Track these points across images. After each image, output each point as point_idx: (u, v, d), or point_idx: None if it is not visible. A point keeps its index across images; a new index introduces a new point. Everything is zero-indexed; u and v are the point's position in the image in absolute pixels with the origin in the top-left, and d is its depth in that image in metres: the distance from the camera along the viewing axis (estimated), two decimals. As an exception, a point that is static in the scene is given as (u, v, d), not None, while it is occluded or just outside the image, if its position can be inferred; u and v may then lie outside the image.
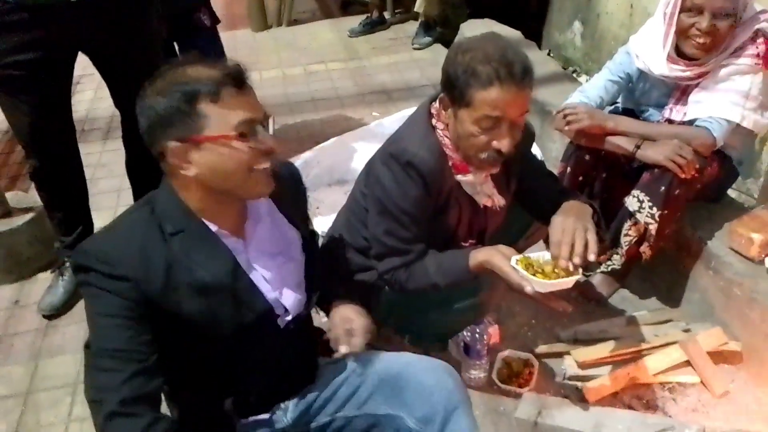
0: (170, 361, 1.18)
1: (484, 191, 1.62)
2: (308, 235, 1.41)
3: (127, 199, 2.96)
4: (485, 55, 1.39)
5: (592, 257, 1.41)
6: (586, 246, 1.41)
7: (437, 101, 1.57)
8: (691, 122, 1.96)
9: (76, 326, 2.28)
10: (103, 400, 1.08)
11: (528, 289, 1.38)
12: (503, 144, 1.43)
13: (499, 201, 1.66)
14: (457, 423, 1.29)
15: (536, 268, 1.39)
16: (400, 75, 4.05)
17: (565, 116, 2.02)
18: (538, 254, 1.46)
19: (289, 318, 1.33)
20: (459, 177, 1.58)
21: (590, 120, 1.98)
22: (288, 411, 1.40)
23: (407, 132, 1.61)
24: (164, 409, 1.35)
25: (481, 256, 1.50)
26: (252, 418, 1.36)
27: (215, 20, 2.90)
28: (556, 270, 1.40)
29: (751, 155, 2.19)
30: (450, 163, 1.55)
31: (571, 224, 1.44)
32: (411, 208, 1.56)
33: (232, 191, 1.19)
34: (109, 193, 3.06)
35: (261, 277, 1.27)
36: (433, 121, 1.57)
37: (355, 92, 3.88)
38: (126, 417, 1.07)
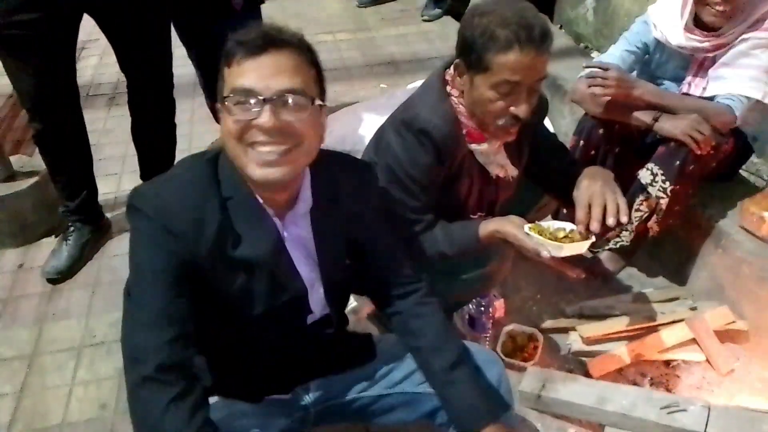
0: (201, 328, 1.15)
1: (498, 161, 1.60)
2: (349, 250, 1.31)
3: (132, 165, 2.94)
4: (504, 18, 1.35)
5: (624, 219, 1.42)
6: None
7: (451, 68, 1.53)
8: (710, 98, 1.92)
9: (80, 291, 2.28)
10: (140, 360, 1.06)
11: (544, 253, 1.37)
12: (521, 110, 1.40)
13: (512, 171, 1.64)
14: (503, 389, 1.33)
15: (548, 235, 1.38)
16: (408, 47, 3.99)
17: (591, 85, 1.95)
18: (548, 222, 1.45)
19: (317, 318, 1.30)
20: (473, 146, 1.55)
21: (617, 88, 1.91)
22: (309, 391, 1.38)
23: (420, 99, 1.57)
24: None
25: (493, 225, 1.49)
26: (273, 396, 1.34)
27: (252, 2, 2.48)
28: (569, 235, 1.39)
29: (767, 132, 2.16)
30: (464, 131, 1.53)
31: (599, 188, 1.43)
32: (421, 176, 1.54)
33: (239, 167, 1.10)
34: (114, 159, 3.04)
35: (299, 263, 1.22)
36: (447, 88, 1.54)
37: (363, 63, 3.84)
38: (160, 384, 1.05)
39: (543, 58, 1.38)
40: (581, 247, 1.37)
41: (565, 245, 1.35)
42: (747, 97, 1.86)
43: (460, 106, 1.51)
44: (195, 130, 3.24)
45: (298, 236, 1.21)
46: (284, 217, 1.19)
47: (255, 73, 1.04)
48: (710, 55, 1.93)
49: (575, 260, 1.42)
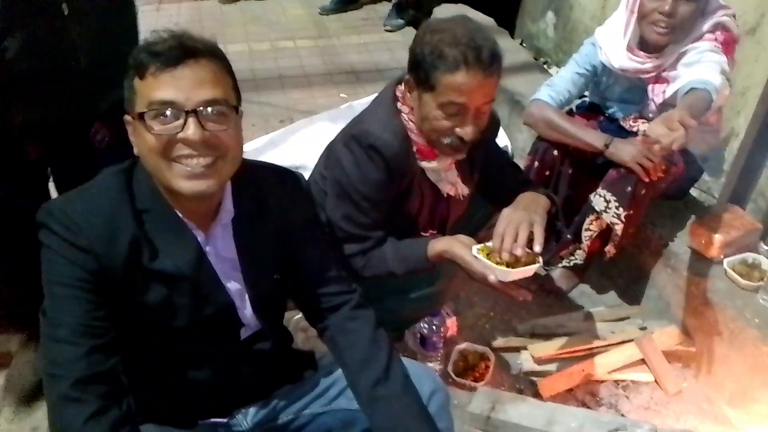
0: (125, 345, 1.11)
1: (448, 179, 1.58)
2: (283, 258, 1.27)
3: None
4: (453, 37, 1.33)
5: (537, 248, 1.37)
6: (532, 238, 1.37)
7: (403, 83, 1.50)
8: (668, 100, 1.91)
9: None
10: (56, 375, 1.02)
11: (491, 277, 1.35)
12: (466, 131, 1.38)
13: (463, 190, 1.62)
14: (434, 406, 1.28)
15: (497, 257, 1.35)
16: (369, 56, 3.96)
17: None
18: None
19: (250, 332, 1.26)
20: (423, 163, 1.52)
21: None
22: (248, 415, 1.33)
23: (371, 114, 1.54)
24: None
25: (441, 245, 1.46)
26: (210, 420, 1.29)
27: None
28: (517, 259, 1.36)
29: (719, 152, 2.20)
30: (414, 149, 1.50)
31: (518, 216, 1.40)
32: (371, 192, 1.50)
33: (160, 182, 1.07)
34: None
35: (225, 278, 1.19)
36: (398, 104, 1.51)
37: (324, 71, 3.79)
38: (77, 402, 1.01)
39: (490, 81, 1.36)
40: (529, 271, 1.35)
41: (512, 270, 1.33)
42: (713, 83, 1.75)
43: (410, 122, 1.48)
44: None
45: (222, 248, 1.18)
46: (207, 228, 1.16)
47: (174, 86, 1.00)
48: (650, 76, 1.94)
49: (527, 280, 1.39)
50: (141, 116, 1.01)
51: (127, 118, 1.06)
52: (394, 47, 4.02)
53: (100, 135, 1.71)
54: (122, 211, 1.08)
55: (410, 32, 4.18)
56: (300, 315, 1.95)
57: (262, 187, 1.22)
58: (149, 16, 4.61)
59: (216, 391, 1.26)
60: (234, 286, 1.21)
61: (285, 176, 1.30)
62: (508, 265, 1.35)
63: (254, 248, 1.21)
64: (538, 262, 1.36)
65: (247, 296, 1.23)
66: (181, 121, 1.00)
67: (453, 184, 1.59)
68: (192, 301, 1.14)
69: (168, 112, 1.00)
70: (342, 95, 3.50)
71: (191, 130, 1.00)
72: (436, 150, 1.49)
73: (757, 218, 2.11)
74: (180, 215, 1.11)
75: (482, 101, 1.37)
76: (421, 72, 1.37)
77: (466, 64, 1.31)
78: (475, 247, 1.40)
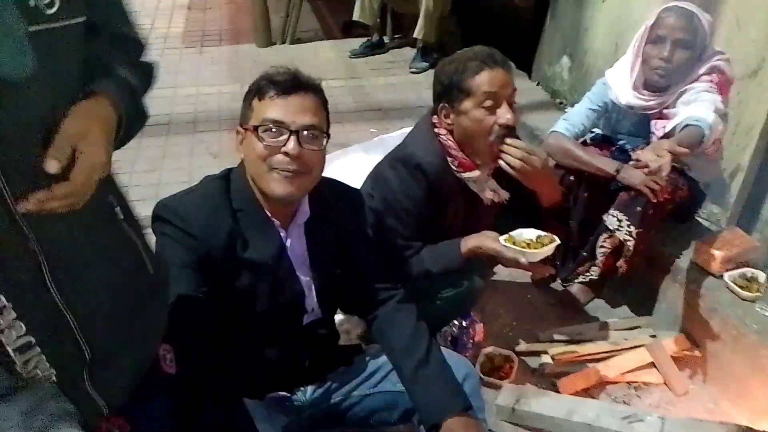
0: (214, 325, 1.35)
1: (490, 186, 1.82)
2: (339, 261, 1.51)
3: (135, 194, 3.11)
4: (469, 56, 1.68)
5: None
6: None
7: (438, 112, 1.77)
8: (669, 134, 2.14)
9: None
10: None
11: (522, 260, 1.63)
12: (507, 117, 1.66)
13: (504, 195, 1.84)
14: (468, 387, 1.49)
15: (522, 244, 1.64)
16: (397, 95, 4.26)
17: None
18: (518, 232, 1.70)
19: (312, 318, 1.50)
20: (465, 175, 1.76)
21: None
22: (307, 393, 1.56)
23: (413, 140, 1.81)
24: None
25: (473, 242, 1.72)
26: (275, 394, 1.52)
27: None
28: (537, 241, 1.65)
29: (720, 180, 2.42)
30: (456, 163, 1.75)
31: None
32: (413, 207, 1.75)
33: (257, 183, 1.34)
34: (117, 188, 3.20)
35: (297, 269, 1.44)
36: (435, 129, 1.77)
37: (355, 109, 4.08)
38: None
39: (508, 74, 1.68)
40: (550, 250, 1.63)
41: (538, 251, 1.61)
42: (707, 121, 1.97)
43: (449, 141, 1.74)
44: (194, 163, 3.43)
45: (297, 245, 1.43)
46: (287, 228, 1.41)
47: (284, 109, 1.29)
48: (654, 112, 2.20)
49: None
50: (255, 129, 1.29)
51: (239, 129, 1.35)
52: (420, 87, 4.32)
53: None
54: (222, 209, 1.34)
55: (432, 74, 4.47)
56: (342, 317, 2.19)
57: (330, 196, 1.49)
58: (192, 58, 4.98)
59: (281, 369, 1.49)
60: (303, 278, 1.45)
61: (348, 190, 1.58)
62: (533, 248, 1.62)
63: (321, 246, 1.47)
64: (555, 241, 1.64)
65: (313, 287, 1.47)
66: (285, 137, 1.28)
67: (495, 191, 1.82)
68: (271, 288, 1.39)
69: (276, 129, 1.28)
70: (372, 130, 3.78)
71: (291, 145, 1.28)
72: (479, 158, 1.75)
73: (764, 246, 2.31)
74: (269, 214, 1.37)
75: (508, 90, 1.67)
76: (453, 90, 1.68)
77: (487, 65, 1.64)
78: (502, 238, 1.67)
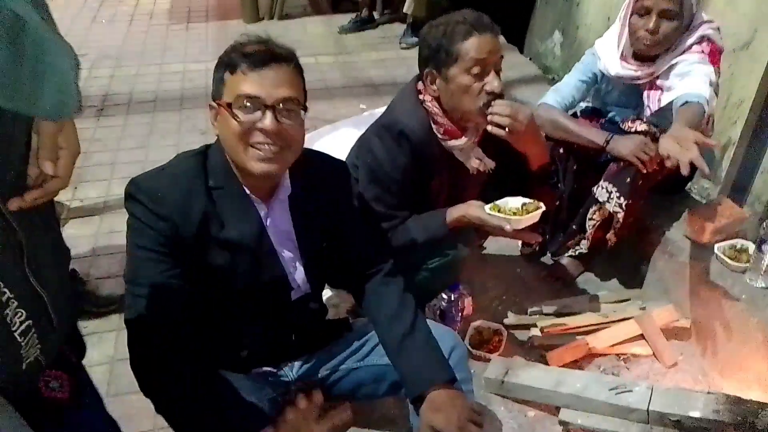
0: (192, 303, 1.31)
1: (476, 154, 1.79)
2: (329, 231, 1.47)
3: (120, 172, 3.08)
4: (456, 19, 1.64)
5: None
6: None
7: (423, 78, 1.73)
8: (663, 112, 2.13)
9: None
10: (146, 332, 1.25)
11: (507, 227, 1.58)
12: (494, 84, 1.63)
13: (490, 163, 1.81)
14: (454, 359, 1.47)
15: (507, 211, 1.60)
16: (387, 71, 4.21)
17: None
18: (503, 200, 1.67)
19: (301, 294, 1.46)
20: (451, 143, 1.73)
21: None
22: (294, 368, 1.53)
23: (398, 107, 1.77)
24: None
25: (457, 211, 1.69)
26: (261, 369, 1.49)
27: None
28: (523, 209, 1.62)
29: (708, 153, 2.39)
30: (441, 131, 1.71)
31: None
32: (399, 176, 1.72)
33: (234, 160, 1.29)
34: (103, 166, 3.16)
35: (280, 247, 1.39)
36: (420, 96, 1.74)
37: (344, 85, 4.04)
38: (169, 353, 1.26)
39: (497, 40, 1.64)
40: (535, 216, 1.59)
41: (522, 218, 1.58)
42: (705, 96, 1.97)
43: (435, 108, 1.71)
44: (182, 140, 3.39)
45: (279, 221, 1.38)
46: (267, 203, 1.36)
47: (258, 84, 1.21)
48: (643, 82, 2.17)
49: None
50: (229, 105, 1.22)
51: (212, 104, 1.29)
52: (410, 63, 4.24)
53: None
54: (196, 188, 1.28)
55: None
56: (330, 294, 2.17)
57: (314, 169, 1.44)
58: (179, 34, 4.91)
59: (268, 344, 1.47)
60: (287, 254, 1.41)
61: (332, 162, 1.53)
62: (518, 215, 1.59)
63: (307, 220, 1.42)
64: (541, 207, 1.60)
65: (298, 262, 1.43)
66: (260, 113, 1.22)
67: (480, 159, 1.79)
68: (250, 268, 1.35)
69: (251, 105, 1.21)
70: (362, 106, 3.74)
71: (268, 121, 1.21)
72: (468, 123, 1.71)
73: (754, 217, 2.30)
74: (248, 191, 1.32)
75: (496, 56, 1.63)
76: (440, 55, 1.63)
77: (476, 30, 1.60)
78: (487, 207, 1.63)
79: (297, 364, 1.54)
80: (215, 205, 1.29)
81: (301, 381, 1.54)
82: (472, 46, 1.60)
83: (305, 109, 1.29)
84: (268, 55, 1.23)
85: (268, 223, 1.36)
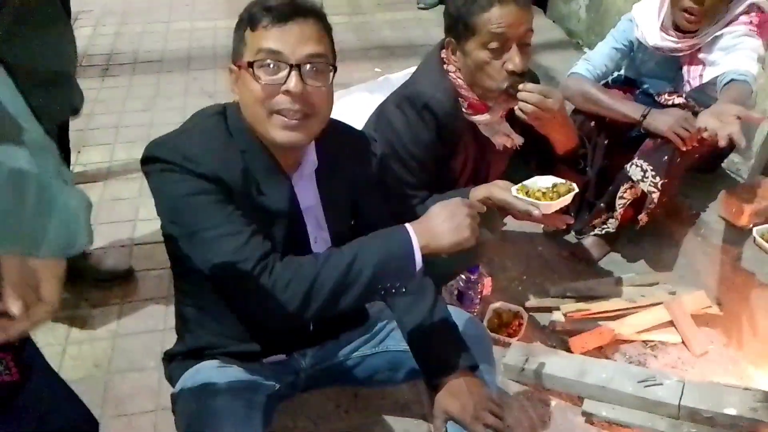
0: (204, 285, 1.20)
1: (503, 130, 1.65)
2: (353, 203, 1.36)
3: (124, 136, 2.97)
4: None
5: None
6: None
7: (445, 47, 1.59)
8: (704, 88, 1.98)
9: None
10: (238, 262, 1.08)
11: (535, 212, 1.42)
12: (516, 62, 1.47)
13: (518, 140, 1.68)
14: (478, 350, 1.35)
15: (535, 194, 1.44)
16: (403, 32, 4.03)
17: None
18: (532, 180, 1.50)
19: None
20: (476, 118, 1.60)
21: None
22: (306, 356, 1.43)
23: (422, 77, 1.63)
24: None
25: (482, 192, 1.53)
26: (272, 358, 1.38)
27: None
28: (555, 189, 1.45)
29: (748, 131, 2.24)
30: (466, 104, 1.58)
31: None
32: (420, 153, 1.59)
33: (256, 129, 1.16)
34: (107, 128, 3.04)
35: (307, 219, 1.28)
36: (444, 66, 1.60)
37: (358, 47, 3.87)
38: (267, 270, 1.09)
39: (523, 11, 1.46)
40: (567, 200, 1.43)
41: (553, 203, 1.41)
42: (752, 73, 1.86)
43: (459, 80, 1.56)
44: (188, 103, 3.26)
45: (305, 197, 1.27)
46: (292, 177, 1.24)
47: (282, 39, 1.09)
48: (684, 54, 2.00)
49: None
50: (250, 65, 1.10)
51: (232, 67, 1.16)
52: (428, 24, 4.08)
53: None
54: (230, 146, 1.16)
55: (443, 10, 4.23)
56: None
57: (340, 143, 1.31)
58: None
59: (280, 333, 1.35)
60: (312, 230, 1.29)
61: (359, 136, 1.41)
62: (547, 198, 1.43)
63: (334, 196, 1.31)
64: (574, 189, 1.43)
65: (321, 241, 1.31)
66: (284, 73, 1.09)
67: (508, 135, 1.66)
68: (281, 241, 1.21)
69: (273, 64, 1.09)
70: (376, 69, 3.58)
71: (294, 82, 1.08)
72: (489, 101, 1.57)
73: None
74: (275, 157, 1.20)
75: (521, 31, 1.46)
76: (459, 25, 1.48)
77: (499, 0, 1.42)
78: (514, 188, 1.46)
79: (309, 352, 1.45)
80: (250, 168, 1.17)
81: (313, 367, 1.45)
82: (490, 19, 1.44)
83: (335, 69, 1.16)
84: (293, 8, 1.11)
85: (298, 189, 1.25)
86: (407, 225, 1.14)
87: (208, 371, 1.30)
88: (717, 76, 1.85)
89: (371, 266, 1.09)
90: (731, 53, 1.88)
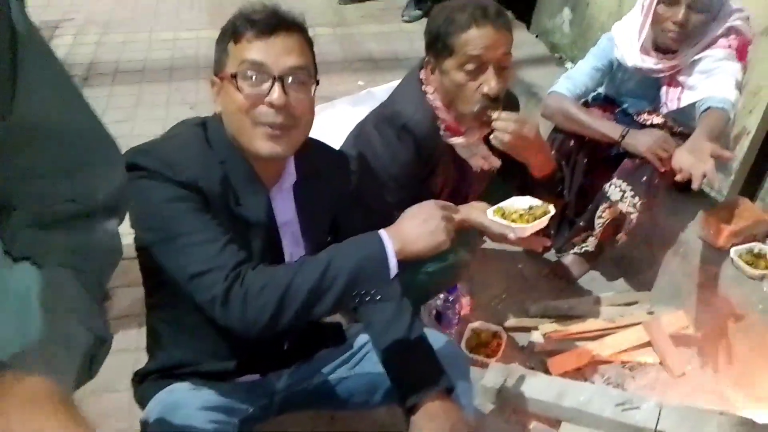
0: (174, 298, 1.18)
1: (481, 152, 1.64)
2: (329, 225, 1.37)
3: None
4: (461, 5, 1.46)
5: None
6: None
7: (424, 66, 1.58)
8: (682, 109, 1.99)
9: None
10: (210, 271, 1.07)
11: (510, 236, 1.42)
12: (491, 86, 1.46)
13: (496, 162, 1.67)
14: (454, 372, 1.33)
15: (512, 216, 1.43)
16: (388, 45, 4.03)
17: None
18: (509, 201, 1.48)
19: None
20: (453, 140, 1.59)
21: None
22: (281, 377, 1.40)
23: (400, 97, 1.62)
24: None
25: (458, 215, 1.52)
26: (245, 378, 1.36)
27: None
28: (531, 212, 1.44)
29: (726, 141, 2.26)
30: (443, 127, 1.57)
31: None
32: (399, 172, 1.58)
33: (238, 140, 1.16)
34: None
35: (283, 234, 1.27)
36: (423, 86, 1.59)
37: (342, 59, 3.85)
38: (240, 279, 1.08)
39: (501, 33, 1.46)
40: (543, 223, 1.42)
41: (527, 226, 1.40)
42: (729, 100, 1.87)
43: (437, 101, 1.56)
44: (170, 113, 3.22)
45: (282, 211, 1.26)
46: (270, 191, 1.24)
47: (265, 51, 1.11)
48: (663, 75, 2.01)
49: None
50: (233, 76, 1.10)
51: (214, 79, 1.17)
52: (413, 37, 4.07)
53: None
54: (209, 156, 1.16)
55: (427, 23, 4.24)
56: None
57: (318, 159, 1.32)
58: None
59: (259, 349, 1.32)
60: (291, 248, 1.28)
61: (337, 154, 1.42)
62: (523, 221, 1.42)
63: (312, 212, 1.31)
64: (549, 211, 1.41)
65: (294, 257, 1.29)
66: (268, 85, 1.10)
67: (485, 158, 1.65)
68: (257, 253, 1.21)
69: (256, 76, 1.10)
70: (360, 83, 3.57)
71: (276, 94, 1.10)
72: (464, 125, 1.56)
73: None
74: (255, 170, 1.20)
75: (498, 53, 1.46)
76: (438, 43, 1.48)
77: (476, 21, 1.43)
78: (490, 210, 1.45)
79: (286, 372, 1.42)
80: (229, 177, 1.17)
81: (288, 390, 1.42)
82: (467, 40, 1.44)
83: (317, 82, 1.18)
84: (276, 21, 1.13)
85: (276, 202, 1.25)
86: (381, 230, 1.14)
87: (180, 393, 1.26)
88: (695, 102, 1.86)
89: (346, 272, 1.09)
90: (711, 77, 1.89)
